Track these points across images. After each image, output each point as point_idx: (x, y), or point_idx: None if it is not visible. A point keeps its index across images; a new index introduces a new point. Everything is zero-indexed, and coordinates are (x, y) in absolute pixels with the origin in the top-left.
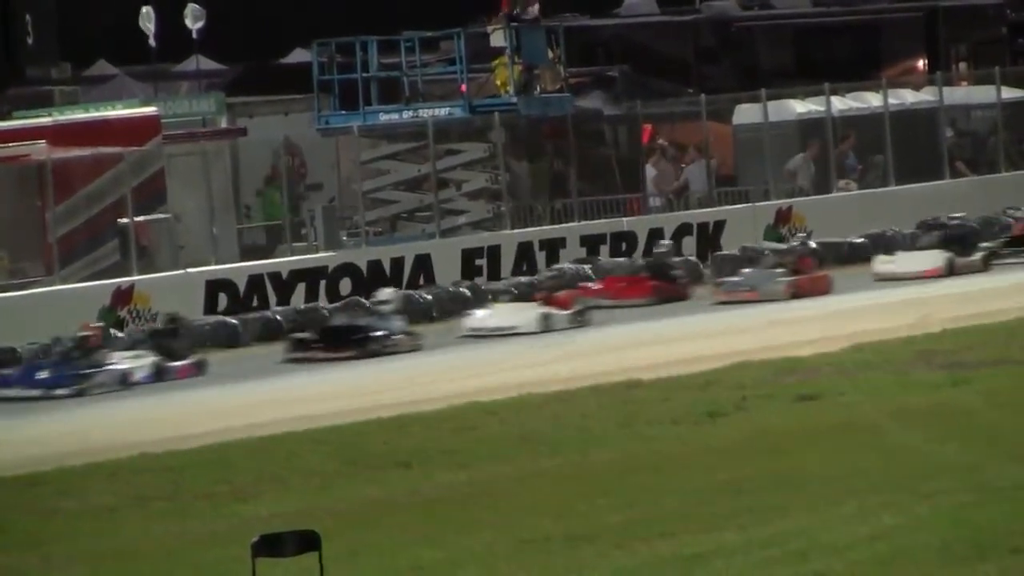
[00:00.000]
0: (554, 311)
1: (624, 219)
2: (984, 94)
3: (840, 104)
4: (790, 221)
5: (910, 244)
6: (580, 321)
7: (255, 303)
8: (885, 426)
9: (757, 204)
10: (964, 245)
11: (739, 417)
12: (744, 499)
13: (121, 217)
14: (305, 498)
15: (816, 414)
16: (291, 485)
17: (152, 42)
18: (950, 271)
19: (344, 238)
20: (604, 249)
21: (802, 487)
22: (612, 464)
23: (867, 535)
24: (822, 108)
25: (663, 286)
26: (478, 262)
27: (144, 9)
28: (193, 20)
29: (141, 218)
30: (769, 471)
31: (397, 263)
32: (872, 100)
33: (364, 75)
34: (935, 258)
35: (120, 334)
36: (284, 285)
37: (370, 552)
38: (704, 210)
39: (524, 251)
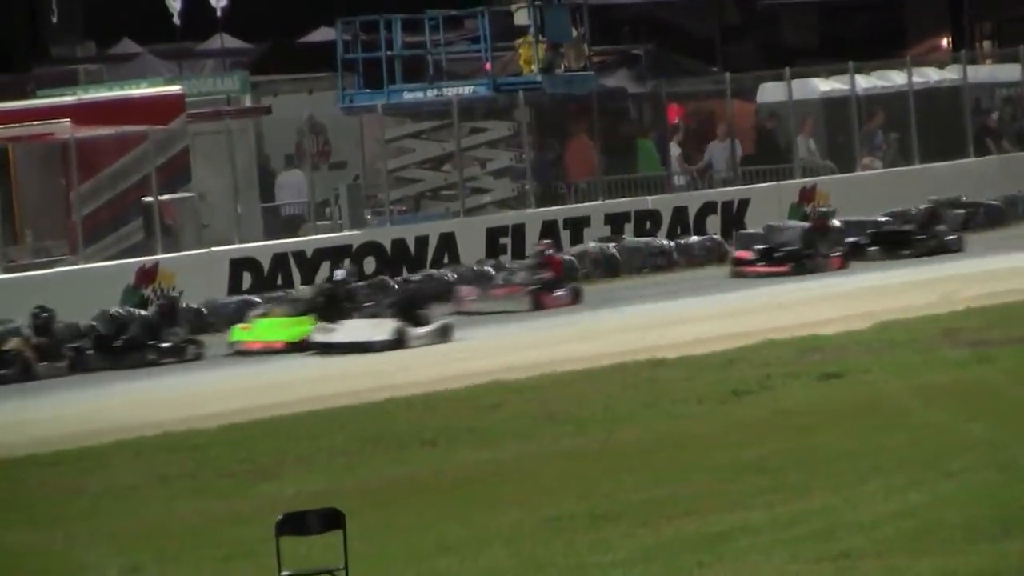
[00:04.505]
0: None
1: (649, 198)
2: (1009, 72)
3: (864, 82)
4: (814, 199)
5: None
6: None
7: (279, 282)
8: (910, 404)
9: (781, 183)
10: None
11: (764, 395)
12: (769, 477)
13: (145, 196)
14: (329, 477)
15: (841, 392)
16: (315, 464)
17: (176, 20)
18: None
19: (368, 216)
20: (628, 227)
21: (827, 465)
22: (637, 442)
23: (892, 513)
24: (846, 86)
25: None
26: (502, 240)
27: None
28: None
29: (165, 197)
30: (794, 449)
31: (421, 241)
32: (896, 78)
33: (388, 53)
34: None
35: None
36: (308, 263)
37: (395, 530)
38: (728, 188)
39: (549, 229)
